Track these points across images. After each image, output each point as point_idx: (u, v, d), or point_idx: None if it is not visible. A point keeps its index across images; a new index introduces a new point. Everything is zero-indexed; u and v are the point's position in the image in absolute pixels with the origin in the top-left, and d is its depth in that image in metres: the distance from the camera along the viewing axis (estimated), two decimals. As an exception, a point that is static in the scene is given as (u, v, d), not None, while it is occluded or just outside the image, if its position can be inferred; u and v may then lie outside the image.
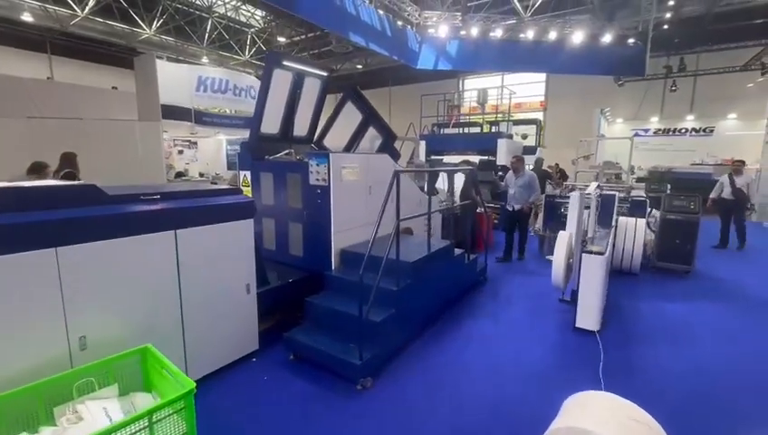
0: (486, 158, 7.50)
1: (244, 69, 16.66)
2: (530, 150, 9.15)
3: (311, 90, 4.44)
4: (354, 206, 3.84)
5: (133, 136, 7.50)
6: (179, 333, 2.63)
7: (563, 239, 3.72)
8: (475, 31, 10.44)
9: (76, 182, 2.37)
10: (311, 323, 3.29)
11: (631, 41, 10.24)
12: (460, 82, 19.22)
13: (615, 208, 4.96)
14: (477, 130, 9.76)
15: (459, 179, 6.36)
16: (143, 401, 2.21)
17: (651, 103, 15.22)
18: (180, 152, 11.74)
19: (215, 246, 2.78)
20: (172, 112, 7.90)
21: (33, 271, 1.95)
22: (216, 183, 7.35)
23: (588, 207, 3.90)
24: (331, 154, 3.51)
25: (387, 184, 4.30)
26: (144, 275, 2.40)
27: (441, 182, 6.53)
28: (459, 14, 10.44)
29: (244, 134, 11.23)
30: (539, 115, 16.30)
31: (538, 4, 10.87)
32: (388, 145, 5.72)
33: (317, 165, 3.57)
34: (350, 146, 5.37)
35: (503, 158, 7.36)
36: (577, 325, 3.65)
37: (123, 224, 2.28)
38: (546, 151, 11.17)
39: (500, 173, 6.92)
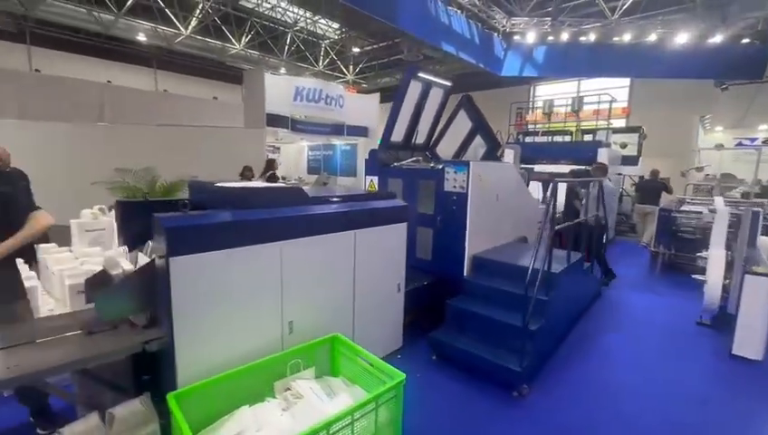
0: (584, 167, 7.21)
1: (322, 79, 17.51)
2: (629, 161, 8.62)
3: (434, 99, 4.59)
4: (485, 213, 3.89)
5: (239, 141, 8.19)
6: (351, 325, 2.84)
7: (719, 259, 3.47)
8: (565, 36, 10.11)
9: (286, 184, 2.68)
10: (452, 326, 3.37)
11: (746, 40, 9.28)
12: (531, 88, 18.63)
13: (760, 226, 4.52)
14: (560, 138, 9.41)
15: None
16: (335, 384, 2.41)
17: (763, 109, 13.53)
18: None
19: (379, 246, 2.97)
20: (271, 120, 8.57)
21: (267, 261, 2.23)
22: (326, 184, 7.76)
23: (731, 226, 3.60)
24: (471, 162, 3.60)
25: (511, 192, 4.34)
26: (331, 269, 2.64)
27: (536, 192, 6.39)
28: (548, 18, 10.17)
29: (329, 141, 11.86)
30: (621, 122, 15.31)
31: (628, 4, 10.29)
32: (493, 153, 5.72)
33: (455, 172, 3.68)
34: (459, 154, 5.45)
35: (604, 168, 7.02)
36: (734, 352, 3.37)
37: (322, 223, 2.52)
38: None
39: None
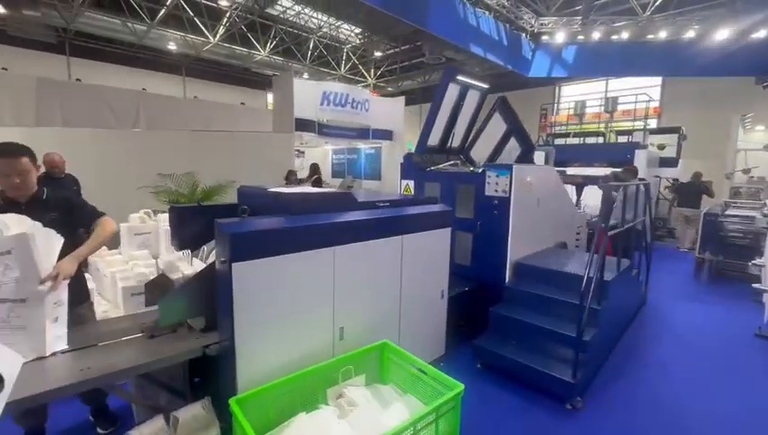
0: (620, 170, 6.96)
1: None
2: (668, 163, 8.27)
3: (470, 102, 4.52)
4: (527, 218, 3.79)
5: (268, 146, 8.27)
6: (397, 332, 2.80)
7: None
8: (596, 35, 9.83)
9: (337, 190, 2.69)
10: (496, 334, 3.29)
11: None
12: (556, 89, 18.22)
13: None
14: (593, 139, 9.11)
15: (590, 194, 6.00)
16: (385, 392, 2.37)
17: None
18: (291, 161, 12.79)
19: (424, 252, 2.92)
20: (299, 125, 8.66)
21: (321, 266, 2.22)
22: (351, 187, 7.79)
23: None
24: (513, 166, 3.52)
25: (551, 196, 4.22)
26: (379, 275, 2.61)
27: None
28: (577, 17, 9.92)
29: (354, 144, 11.92)
30: (652, 122, 14.72)
31: (659, 1, 9.92)
32: (528, 156, 5.59)
33: (497, 176, 3.60)
34: (493, 157, 5.35)
35: (642, 171, 6.76)
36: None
37: (372, 227, 2.50)
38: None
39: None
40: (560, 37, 10.30)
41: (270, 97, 20.34)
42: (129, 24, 13.25)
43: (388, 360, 2.49)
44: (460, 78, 4.08)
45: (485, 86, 4.46)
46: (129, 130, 8.00)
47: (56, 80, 10.03)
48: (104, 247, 3.25)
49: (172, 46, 15.37)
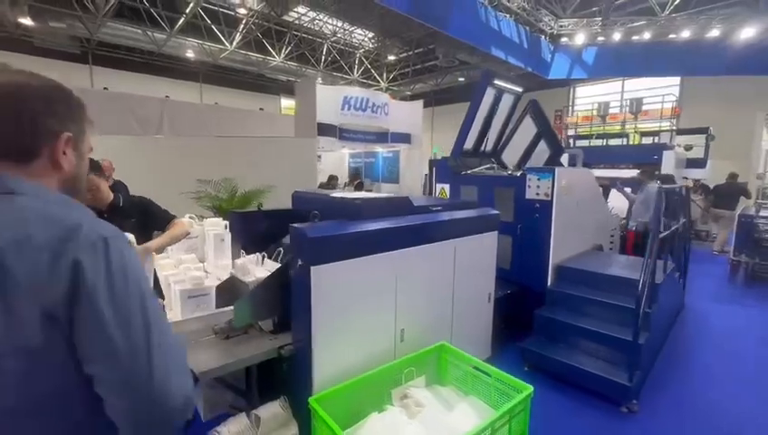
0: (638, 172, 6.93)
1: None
2: (696, 164, 8.17)
3: (504, 105, 4.55)
4: (567, 221, 3.80)
5: (291, 151, 8.37)
6: (449, 334, 2.83)
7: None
8: (617, 35, 9.80)
9: (396, 195, 2.75)
10: (541, 336, 3.30)
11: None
12: (571, 90, 18.12)
13: None
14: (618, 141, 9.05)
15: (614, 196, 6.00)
16: (446, 393, 2.40)
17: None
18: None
19: (474, 256, 2.95)
20: (320, 129, 8.77)
21: (385, 269, 2.26)
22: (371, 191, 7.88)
23: None
24: (556, 169, 3.54)
25: (589, 198, 4.22)
26: (434, 278, 2.65)
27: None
28: (596, 18, 9.90)
29: (369, 148, 11.99)
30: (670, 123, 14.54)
31: (678, 1, 9.84)
32: (557, 159, 5.59)
33: (538, 179, 3.62)
34: (524, 160, 5.36)
35: (670, 172, 6.70)
36: None
37: (429, 232, 2.54)
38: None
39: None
40: (579, 39, 10.27)
41: (284, 102, 20.64)
42: (150, 33, 13.55)
43: (446, 361, 2.52)
44: (497, 82, 4.12)
45: (520, 90, 4.49)
46: (156, 137, 8.17)
47: (86, 88, 10.31)
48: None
49: (190, 54, 15.68)
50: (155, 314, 0.74)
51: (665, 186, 3.48)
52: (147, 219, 2.18)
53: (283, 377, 2.14)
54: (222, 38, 14.48)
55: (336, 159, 13.21)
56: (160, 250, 1.89)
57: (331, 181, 6.26)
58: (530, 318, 3.44)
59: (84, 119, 0.87)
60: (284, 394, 2.06)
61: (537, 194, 3.64)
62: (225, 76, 18.30)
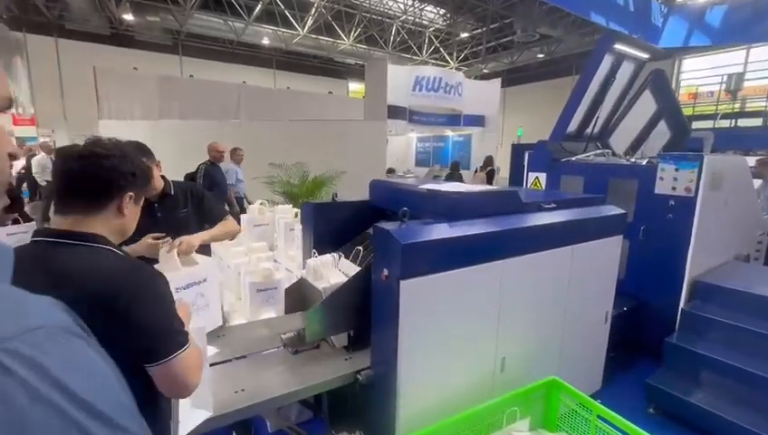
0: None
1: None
2: None
3: (621, 77, 3.69)
4: (712, 224, 2.94)
5: (361, 134, 8.07)
6: (556, 362, 2.28)
7: None
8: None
9: (502, 188, 2.27)
10: (674, 371, 2.58)
11: None
12: (676, 63, 15.36)
13: None
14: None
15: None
16: (556, 443, 1.88)
17: None
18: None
19: (593, 265, 2.33)
20: (390, 112, 8.35)
21: (488, 284, 1.79)
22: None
23: None
24: (705, 157, 2.70)
25: (740, 196, 3.26)
26: (544, 294, 2.10)
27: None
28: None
29: (439, 131, 11.32)
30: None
31: None
32: (681, 144, 4.52)
33: (676, 169, 2.81)
34: (637, 144, 4.41)
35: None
36: None
37: (542, 235, 1.99)
38: None
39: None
40: (704, -4, 8.37)
41: (351, 86, 20.60)
42: (230, 23, 14.20)
43: (557, 400, 1.99)
44: (618, 47, 3.29)
45: (646, 56, 3.58)
46: (233, 121, 8.43)
47: (172, 76, 11.08)
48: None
49: (265, 41, 16.21)
50: None
51: None
52: (200, 208, 2.00)
53: (358, 403, 1.80)
54: (294, 23, 14.66)
55: (402, 143, 12.77)
56: (191, 249, 1.71)
57: (389, 175, 5.88)
58: (650, 342, 2.75)
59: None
60: (361, 426, 1.73)
61: (674, 188, 2.83)
62: (296, 62, 18.73)
